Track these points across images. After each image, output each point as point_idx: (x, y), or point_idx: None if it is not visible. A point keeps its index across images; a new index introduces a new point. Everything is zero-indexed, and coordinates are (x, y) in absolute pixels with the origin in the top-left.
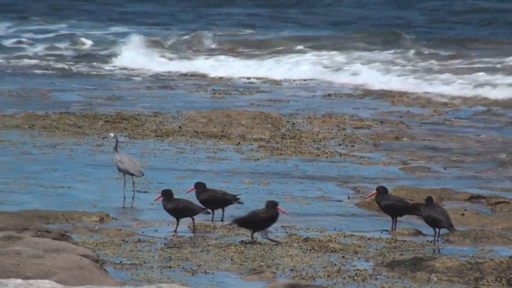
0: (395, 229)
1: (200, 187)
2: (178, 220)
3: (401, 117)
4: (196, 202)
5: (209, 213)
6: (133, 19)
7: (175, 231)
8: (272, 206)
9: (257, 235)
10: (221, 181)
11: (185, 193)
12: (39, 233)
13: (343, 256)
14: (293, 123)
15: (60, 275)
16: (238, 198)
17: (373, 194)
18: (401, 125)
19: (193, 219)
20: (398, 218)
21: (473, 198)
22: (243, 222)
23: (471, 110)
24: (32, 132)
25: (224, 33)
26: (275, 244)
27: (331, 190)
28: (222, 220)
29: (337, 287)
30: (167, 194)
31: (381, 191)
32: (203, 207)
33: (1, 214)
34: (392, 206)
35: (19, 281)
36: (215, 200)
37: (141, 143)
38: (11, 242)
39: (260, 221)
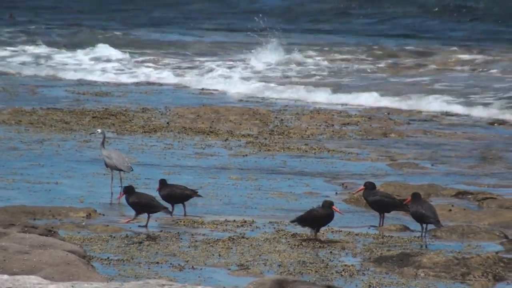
0: (382, 225)
1: (162, 184)
2: (137, 215)
3: (388, 113)
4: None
5: (170, 212)
6: None
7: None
8: (327, 206)
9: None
10: (209, 177)
11: (156, 191)
12: (26, 229)
13: (330, 252)
14: (281, 119)
15: (46, 270)
16: (197, 192)
17: (360, 190)
18: (389, 121)
19: (148, 216)
20: (386, 214)
21: (460, 194)
22: (301, 220)
23: None
24: (18, 128)
25: None
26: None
27: (319, 186)
28: (185, 214)
29: (324, 282)
30: (128, 190)
31: (369, 187)
32: (165, 206)
33: None
34: (379, 202)
35: (5, 277)
36: (174, 195)
37: (129, 139)
38: None
39: (314, 219)
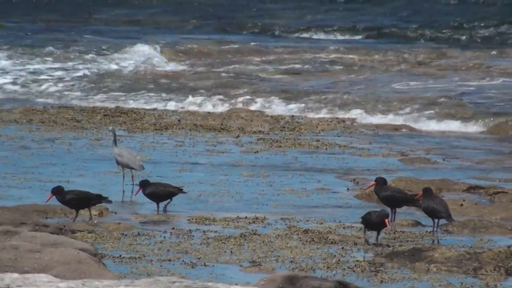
0: (394, 220)
1: (144, 184)
2: (77, 211)
3: None
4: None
5: (110, 201)
6: None
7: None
8: (381, 215)
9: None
10: (221, 174)
11: (134, 195)
12: (37, 228)
13: (342, 248)
14: (292, 116)
15: (58, 269)
16: (182, 189)
17: (372, 186)
18: None
19: (89, 209)
20: (397, 209)
21: (471, 189)
22: (363, 219)
23: None
24: (30, 127)
25: None
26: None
27: (331, 182)
28: (164, 211)
29: (336, 278)
30: (58, 191)
31: (380, 182)
32: (104, 196)
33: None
34: (390, 197)
35: (16, 275)
36: (157, 193)
37: (140, 137)
38: (8, 236)
39: (369, 222)
